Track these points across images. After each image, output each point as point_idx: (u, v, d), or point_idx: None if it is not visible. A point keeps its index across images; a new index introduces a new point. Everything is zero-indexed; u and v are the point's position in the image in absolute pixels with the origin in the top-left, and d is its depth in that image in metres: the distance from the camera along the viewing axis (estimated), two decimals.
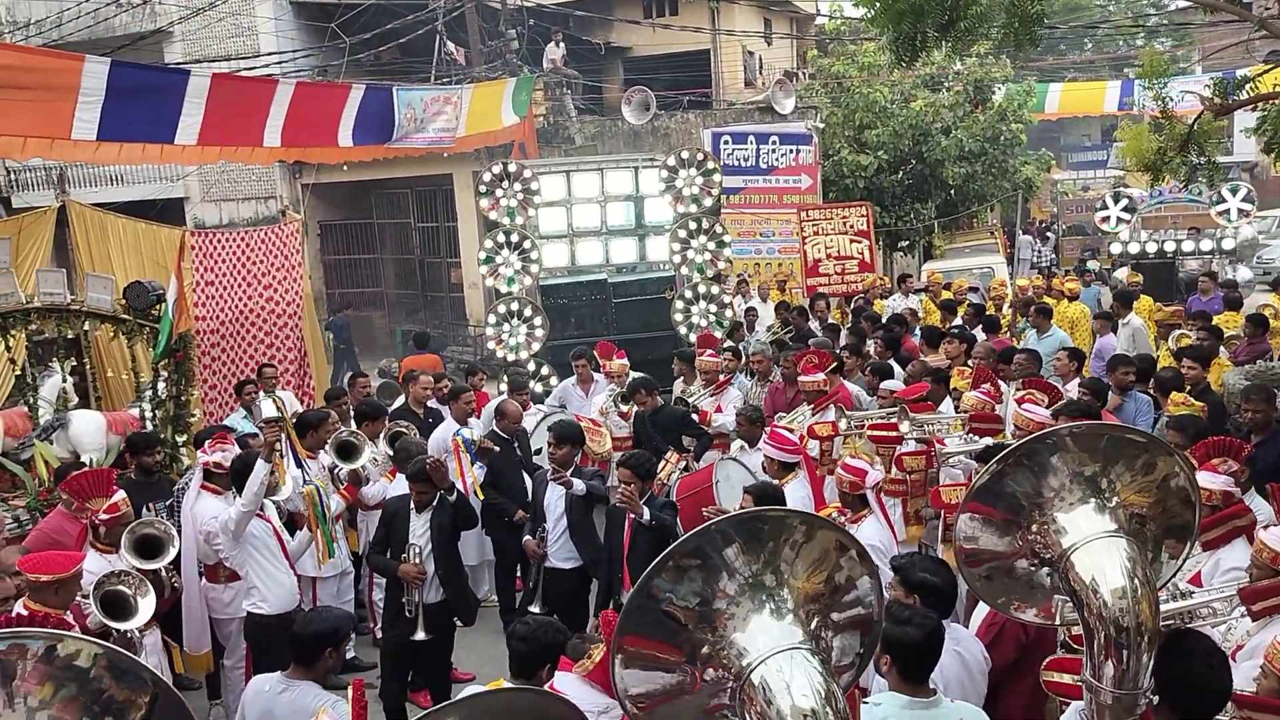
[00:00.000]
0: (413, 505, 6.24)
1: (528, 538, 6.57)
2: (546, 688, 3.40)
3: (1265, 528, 4.23)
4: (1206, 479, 4.73)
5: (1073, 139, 41.03)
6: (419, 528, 6.19)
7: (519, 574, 7.72)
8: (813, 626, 2.28)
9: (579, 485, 6.54)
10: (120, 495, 5.84)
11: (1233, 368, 9.50)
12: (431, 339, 17.48)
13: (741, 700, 2.16)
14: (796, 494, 6.03)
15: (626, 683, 2.25)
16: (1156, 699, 2.73)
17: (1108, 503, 2.83)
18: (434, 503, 6.22)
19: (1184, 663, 2.99)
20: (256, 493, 5.97)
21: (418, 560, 6.09)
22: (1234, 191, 17.15)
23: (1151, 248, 17.52)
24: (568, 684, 3.24)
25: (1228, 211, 17.23)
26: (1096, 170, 40.26)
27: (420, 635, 6.09)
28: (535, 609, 6.42)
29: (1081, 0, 39.24)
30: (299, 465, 6.63)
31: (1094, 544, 2.68)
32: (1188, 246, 17.52)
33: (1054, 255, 27.92)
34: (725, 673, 2.20)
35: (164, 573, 5.58)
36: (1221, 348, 9.84)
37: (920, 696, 3.55)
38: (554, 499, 6.55)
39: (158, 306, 8.67)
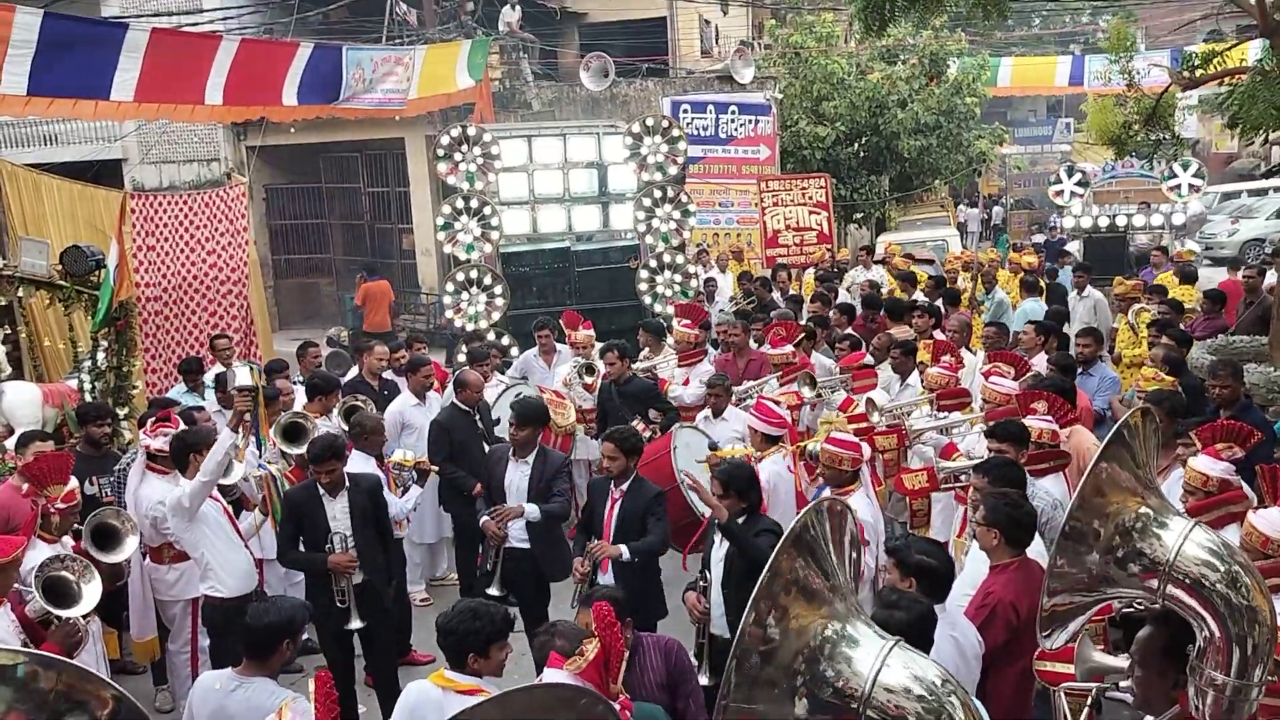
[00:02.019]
0: (323, 491, 5.83)
1: (485, 518, 6.22)
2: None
3: (1255, 510, 4.16)
4: (1206, 464, 4.66)
5: (1019, 114, 41.34)
6: (337, 513, 5.84)
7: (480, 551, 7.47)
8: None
9: (532, 512, 6.16)
10: (74, 483, 5.49)
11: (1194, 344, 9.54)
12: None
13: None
14: (776, 466, 5.86)
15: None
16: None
17: (1154, 496, 2.78)
18: (345, 485, 5.87)
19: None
20: (220, 462, 5.61)
21: (344, 548, 5.73)
22: (1185, 167, 17.33)
23: (1103, 222, 17.67)
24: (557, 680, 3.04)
25: (1179, 187, 17.41)
26: (1043, 145, 40.69)
27: (356, 624, 5.81)
28: (494, 591, 6.14)
29: None
30: (259, 444, 6.33)
31: (1189, 540, 2.61)
32: (1138, 221, 17.70)
33: (1000, 226, 28.21)
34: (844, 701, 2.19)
35: (122, 565, 5.26)
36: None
37: None
38: (515, 478, 6.26)
39: (97, 273, 8.26)
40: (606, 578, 5.66)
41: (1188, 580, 2.59)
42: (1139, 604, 3.38)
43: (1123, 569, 2.70)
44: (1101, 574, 2.72)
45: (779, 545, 2.22)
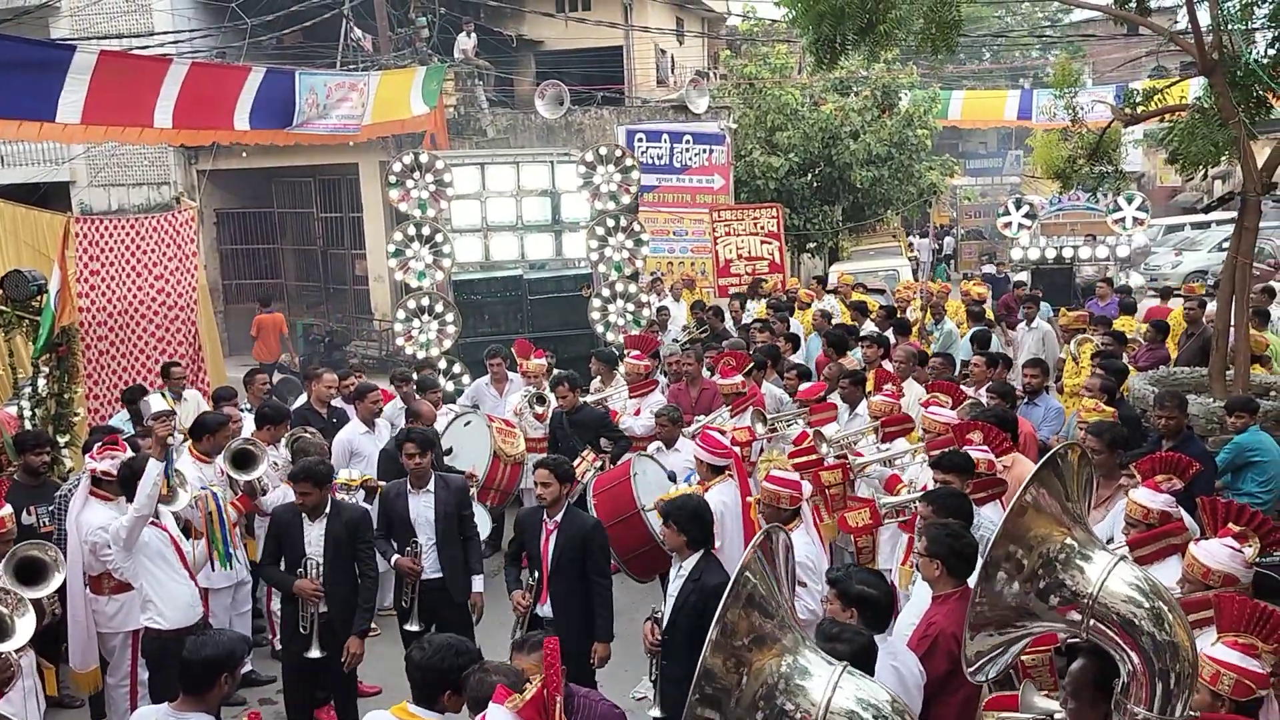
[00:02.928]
0: (304, 515, 5.85)
1: (397, 556, 6.16)
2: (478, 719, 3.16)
3: (1196, 542, 4.23)
4: (1146, 496, 4.71)
5: (970, 145, 42.09)
6: (313, 539, 5.82)
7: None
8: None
9: (478, 583, 6.25)
10: (6, 510, 5.36)
11: (1134, 373, 9.71)
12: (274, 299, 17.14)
13: None
14: (725, 496, 5.87)
15: None
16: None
17: (1080, 529, 2.81)
18: (327, 510, 5.85)
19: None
20: (150, 495, 5.52)
21: (315, 575, 5.74)
22: (1129, 200, 17.73)
23: (1050, 253, 18.00)
24: (500, 719, 3.00)
25: (1123, 220, 17.80)
26: (993, 177, 41.37)
27: (315, 653, 5.77)
28: (413, 627, 6.12)
29: (981, 11, 40.24)
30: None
31: (1112, 576, 2.65)
32: (1084, 253, 18.06)
33: (950, 255, 28.58)
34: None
35: (45, 600, 5.13)
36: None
37: None
38: (420, 509, 6.20)
39: (39, 297, 8.11)
40: (544, 608, 5.65)
41: (1112, 615, 2.62)
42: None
43: (1044, 601, 2.73)
44: (1023, 605, 2.76)
45: (724, 600, 2.33)
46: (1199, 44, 8.16)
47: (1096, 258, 18.05)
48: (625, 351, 9.31)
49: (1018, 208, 19.15)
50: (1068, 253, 17.92)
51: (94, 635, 6.18)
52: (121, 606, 6.12)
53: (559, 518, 5.64)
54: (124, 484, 5.85)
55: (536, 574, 5.69)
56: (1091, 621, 2.63)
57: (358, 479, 7.02)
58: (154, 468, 5.54)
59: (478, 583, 6.28)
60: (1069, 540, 2.73)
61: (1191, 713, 2.66)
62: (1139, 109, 9.30)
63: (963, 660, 2.90)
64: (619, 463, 7.52)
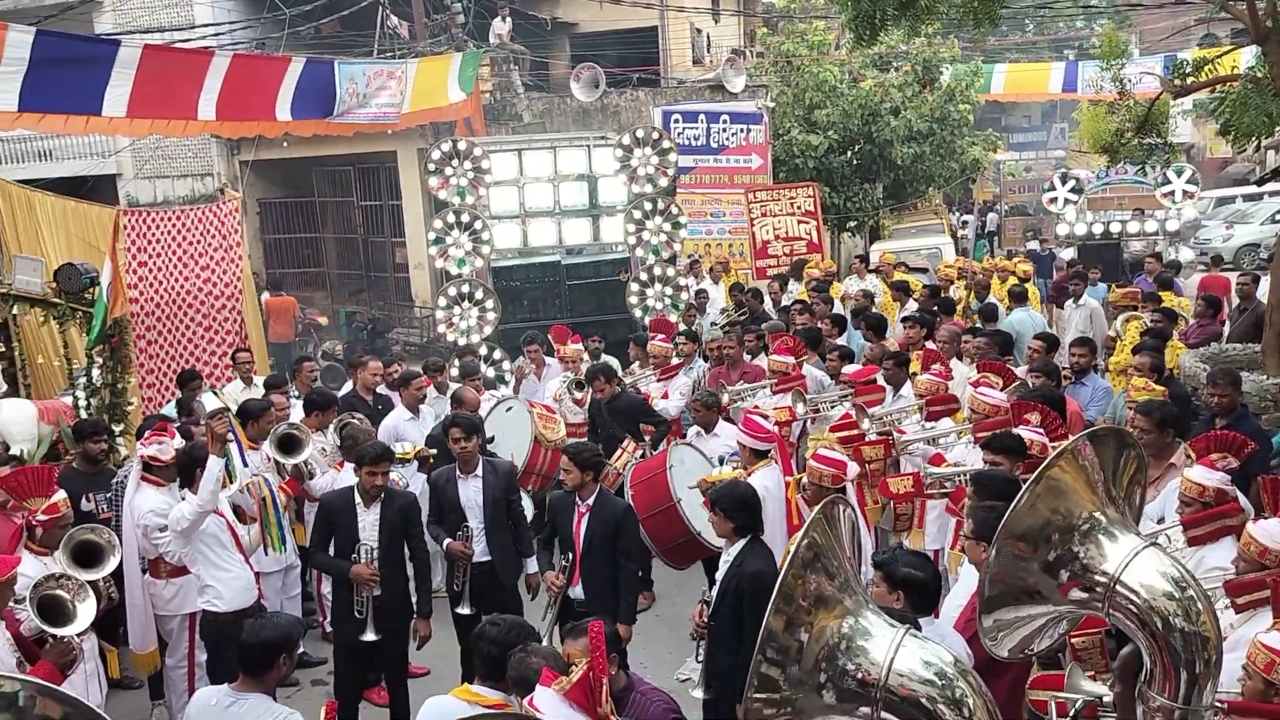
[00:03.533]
0: (359, 500, 5.93)
1: (449, 540, 6.22)
2: (525, 703, 3.19)
3: (1254, 521, 4.16)
4: (1201, 474, 4.63)
5: (1014, 119, 41.41)
6: (368, 524, 5.90)
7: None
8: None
9: (531, 564, 6.28)
10: (60, 496, 5.49)
11: (1185, 350, 9.55)
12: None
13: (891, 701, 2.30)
14: (767, 481, 5.86)
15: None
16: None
17: (1113, 510, 2.76)
18: (381, 497, 5.93)
19: None
20: (213, 491, 5.68)
21: (370, 560, 5.82)
22: (1179, 173, 17.40)
23: (1097, 229, 17.73)
24: (546, 702, 3.03)
25: (1172, 193, 17.47)
26: (1037, 151, 40.79)
27: (370, 636, 5.85)
28: (465, 610, 6.18)
29: None
30: (243, 461, 6.34)
31: (1136, 561, 2.59)
32: (1133, 228, 17.75)
33: (993, 233, 28.23)
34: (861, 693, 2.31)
35: (101, 583, 5.25)
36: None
37: None
38: (470, 495, 6.26)
39: (91, 289, 8.26)
40: (576, 590, 5.73)
41: (1132, 602, 2.57)
42: None
43: (1055, 577, 2.69)
44: (1041, 585, 2.72)
45: (787, 563, 2.31)
46: (1252, 11, 7.96)
47: (1145, 232, 17.73)
48: (649, 335, 9.33)
49: (1063, 182, 18.85)
50: (1115, 228, 17.63)
51: (151, 617, 6.33)
52: (179, 590, 6.26)
53: (591, 501, 5.70)
54: (182, 470, 5.98)
55: (569, 556, 5.74)
56: (1110, 609, 2.59)
57: (411, 450, 7.17)
58: (215, 464, 5.66)
59: (531, 564, 6.34)
60: (1097, 515, 2.68)
61: (1219, 705, 2.65)
62: (1188, 80, 9.11)
63: (980, 634, 2.88)
64: (656, 452, 7.53)
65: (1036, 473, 2.70)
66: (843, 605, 2.37)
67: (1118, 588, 2.58)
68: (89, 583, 4.76)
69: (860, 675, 2.30)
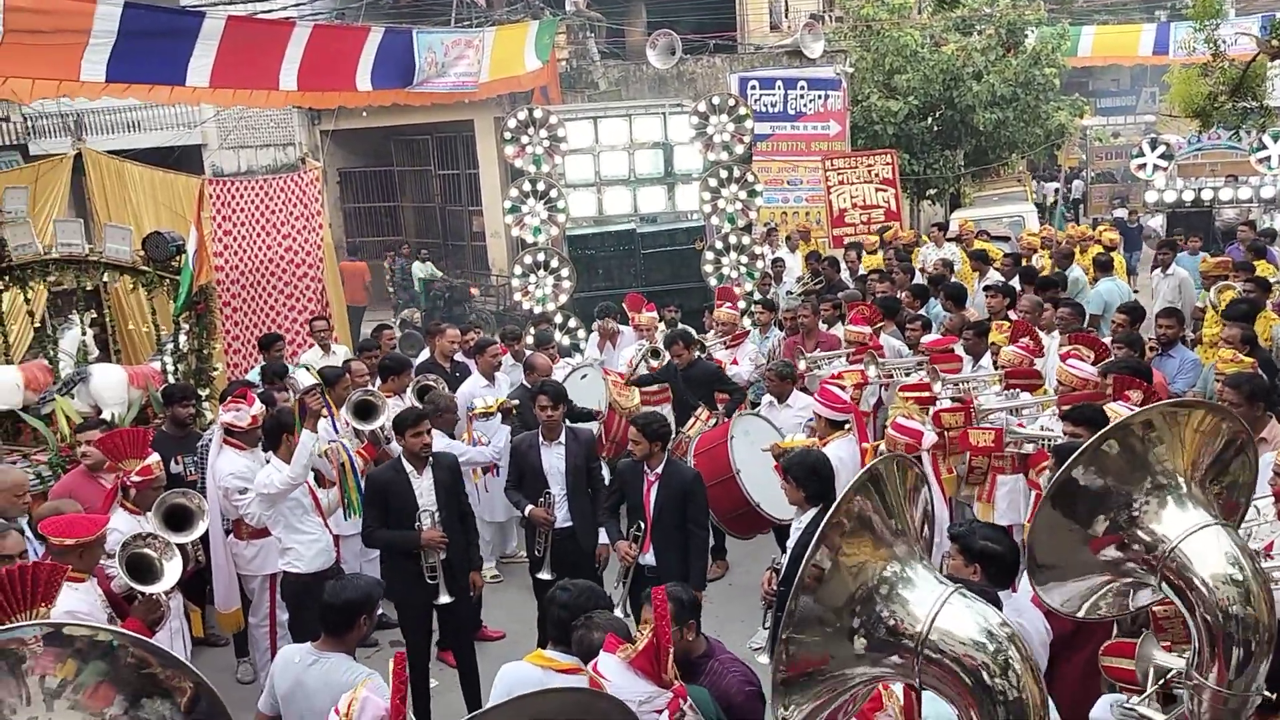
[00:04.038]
0: (410, 468, 5.93)
1: (531, 507, 6.27)
2: (590, 668, 3.21)
3: None
4: None
5: (1101, 84, 40.07)
6: (424, 489, 5.93)
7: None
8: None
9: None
10: (154, 458, 5.67)
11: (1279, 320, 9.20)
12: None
13: (929, 661, 2.17)
14: (842, 451, 5.81)
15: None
16: (1275, 696, 2.59)
17: (1195, 487, 2.67)
18: (430, 461, 5.98)
19: None
20: (306, 465, 5.83)
21: (434, 524, 5.85)
22: (1275, 138, 16.67)
23: (1188, 196, 17.12)
24: (611, 668, 3.05)
25: (1268, 159, 16.77)
26: (1126, 116, 39.43)
27: (444, 598, 5.92)
28: (545, 575, 6.22)
29: None
30: (334, 428, 6.48)
31: (1197, 536, 2.50)
32: (1225, 195, 17.10)
33: (1079, 200, 27.43)
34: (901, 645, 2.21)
35: (189, 546, 5.42)
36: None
37: None
38: (552, 461, 6.31)
39: (177, 258, 8.49)
40: (647, 557, 5.77)
41: (1182, 578, 2.47)
42: None
43: (1124, 551, 2.60)
44: (1106, 553, 2.62)
45: (852, 483, 2.23)
46: None
47: (1238, 200, 17.06)
48: (716, 304, 9.27)
49: (1153, 148, 18.23)
50: (1207, 195, 17.00)
51: (235, 577, 6.54)
52: (259, 550, 6.44)
53: (660, 469, 5.75)
54: (267, 435, 6.12)
55: (640, 525, 5.78)
56: (1162, 583, 2.49)
57: (493, 404, 7.22)
58: (309, 439, 5.80)
59: (601, 535, 6.37)
60: (1166, 485, 2.57)
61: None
62: None
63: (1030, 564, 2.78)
64: (721, 424, 7.51)
65: (1098, 435, 2.59)
66: (893, 550, 2.26)
67: (1170, 560, 2.49)
68: (177, 545, 4.91)
69: (895, 624, 2.20)
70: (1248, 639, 2.41)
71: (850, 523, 2.20)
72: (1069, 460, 2.61)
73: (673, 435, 6.79)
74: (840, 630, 2.21)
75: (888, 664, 2.23)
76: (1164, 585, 2.53)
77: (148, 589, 4.64)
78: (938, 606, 2.18)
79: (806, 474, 4.91)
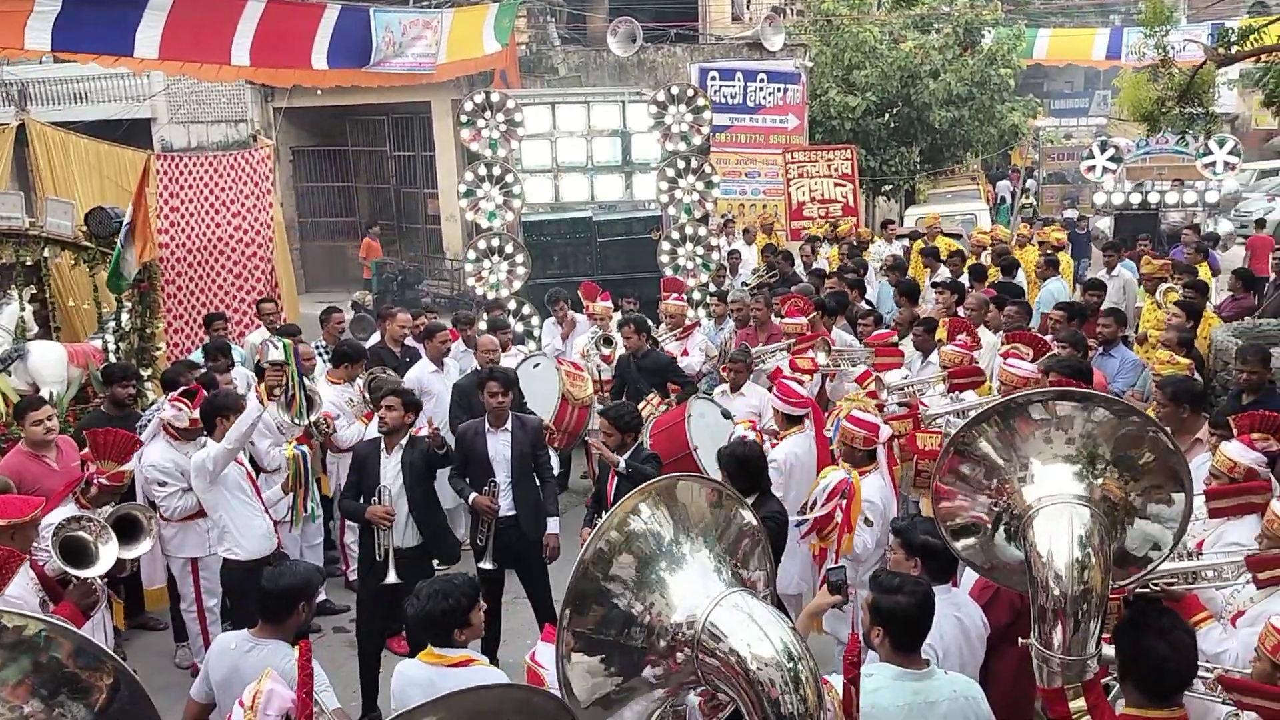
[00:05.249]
0: (383, 446, 6.02)
1: (474, 494, 6.21)
2: (528, 657, 3.20)
3: (1279, 498, 4.12)
4: (1237, 451, 4.58)
5: (1055, 85, 40.60)
6: (390, 469, 5.97)
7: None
8: (730, 573, 2.49)
9: (554, 525, 6.36)
10: (130, 466, 5.57)
11: (1219, 323, 9.40)
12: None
13: (700, 659, 2.28)
14: (796, 448, 5.85)
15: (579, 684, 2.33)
16: (1106, 668, 2.89)
17: (1083, 470, 2.95)
18: (404, 442, 6.01)
19: (1143, 638, 2.99)
20: (245, 433, 5.78)
21: (388, 503, 5.88)
22: (1221, 144, 17.01)
23: (1135, 199, 17.41)
24: (549, 656, 3.05)
25: (1214, 164, 17.10)
26: (1078, 118, 39.97)
27: (391, 579, 5.90)
28: (487, 565, 6.18)
29: None
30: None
31: (1053, 508, 2.73)
32: (1171, 198, 17.42)
33: (1034, 201, 27.81)
34: (675, 641, 2.31)
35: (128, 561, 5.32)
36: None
37: (912, 667, 3.41)
38: (498, 448, 6.26)
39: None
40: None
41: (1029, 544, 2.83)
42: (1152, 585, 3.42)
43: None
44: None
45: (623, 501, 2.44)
46: None
47: (1184, 203, 17.38)
48: (662, 295, 9.28)
49: (1103, 150, 18.50)
50: (1154, 198, 17.31)
51: (159, 556, 6.42)
52: (178, 533, 6.34)
53: (624, 458, 5.86)
54: (204, 417, 6.05)
55: (604, 514, 5.79)
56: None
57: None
58: (254, 409, 5.78)
59: (553, 524, 6.34)
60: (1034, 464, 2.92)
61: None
62: (1234, 49, 8.92)
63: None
64: (677, 405, 7.55)
65: (968, 421, 3.05)
66: (672, 557, 2.40)
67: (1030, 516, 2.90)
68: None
69: (671, 621, 2.32)
70: (1073, 609, 2.65)
71: (622, 533, 2.37)
72: (960, 427, 3.01)
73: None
74: (617, 632, 2.32)
75: (674, 662, 2.32)
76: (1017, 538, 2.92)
77: (82, 573, 4.55)
78: (712, 606, 2.29)
79: (737, 466, 5.00)
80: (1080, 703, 2.81)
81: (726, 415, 7.01)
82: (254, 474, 6.20)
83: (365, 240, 19.02)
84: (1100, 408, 3.00)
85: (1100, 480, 2.89)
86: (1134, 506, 3.01)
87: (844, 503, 5.09)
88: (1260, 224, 17.78)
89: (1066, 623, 2.68)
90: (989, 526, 3.09)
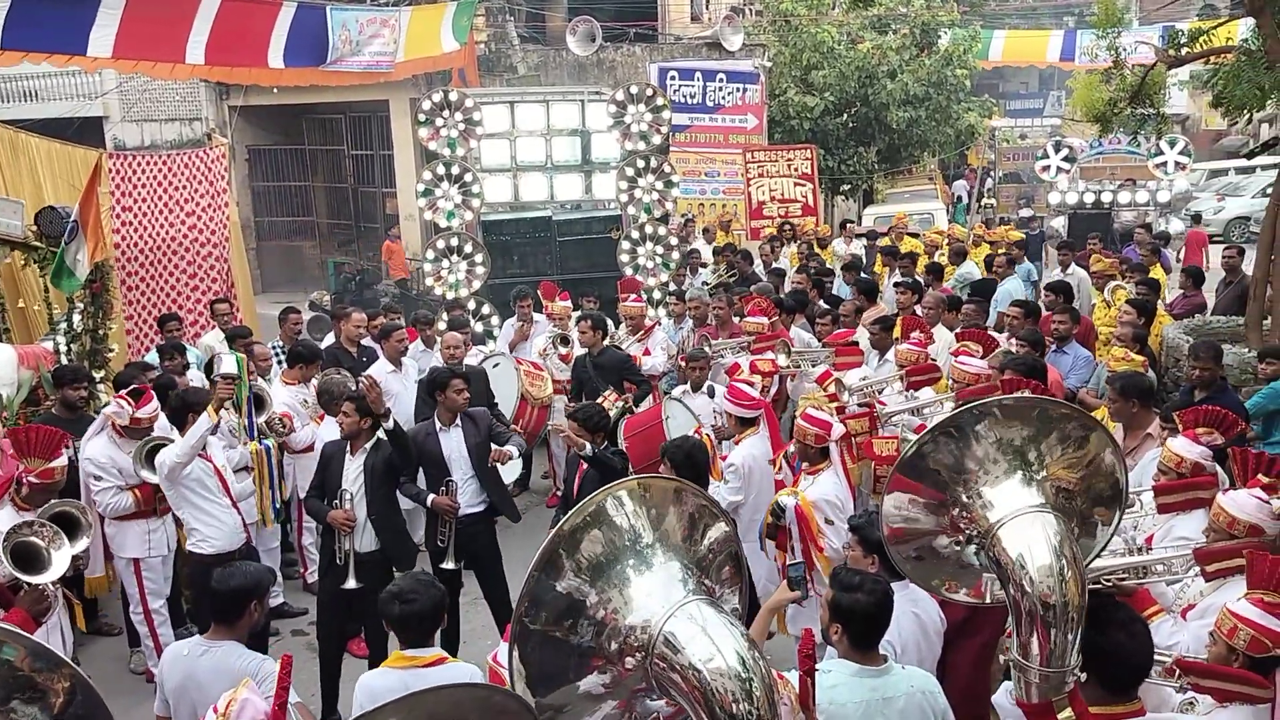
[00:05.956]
0: (348, 449, 5.97)
1: (433, 496, 6.15)
2: (490, 659, 3.20)
3: (1224, 492, 4.19)
4: (1183, 446, 4.65)
5: (1011, 86, 41.13)
6: (352, 472, 5.92)
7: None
8: (694, 580, 2.44)
9: (513, 448, 6.53)
10: (59, 463, 5.45)
11: (1170, 321, 9.58)
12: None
13: (656, 668, 2.25)
14: (752, 450, 5.88)
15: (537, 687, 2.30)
16: (1084, 676, 2.82)
17: (1035, 476, 2.98)
18: (369, 445, 5.95)
19: (1102, 633, 3.01)
20: (194, 446, 5.73)
21: (348, 505, 5.84)
22: (1171, 144, 17.32)
23: (1089, 198, 17.68)
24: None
25: (1165, 164, 17.41)
26: (1033, 119, 40.51)
27: (350, 584, 5.85)
28: (449, 565, 6.14)
29: None
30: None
31: (1021, 519, 2.76)
32: (1124, 198, 17.71)
33: (994, 201, 28.16)
34: (630, 647, 2.28)
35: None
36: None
37: (870, 664, 3.44)
38: (453, 446, 6.23)
39: None
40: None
41: (1005, 555, 2.77)
42: (1104, 580, 3.47)
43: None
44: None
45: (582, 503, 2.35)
46: None
47: (1136, 203, 17.69)
48: (620, 296, 9.29)
49: (1056, 150, 18.78)
50: (1106, 197, 17.59)
51: (100, 544, 6.32)
52: (117, 532, 6.27)
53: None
54: (174, 414, 6.08)
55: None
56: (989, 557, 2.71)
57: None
58: (205, 423, 5.71)
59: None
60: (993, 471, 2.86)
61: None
62: (1184, 50, 9.07)
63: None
64: (651, 406, 7.55)
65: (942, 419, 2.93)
66: (621, 569, 2.36)
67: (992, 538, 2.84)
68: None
69: (615, 622, 2.30)
70: (1053, 619, 2.64)
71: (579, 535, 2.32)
72: (918, 438, 2.90)
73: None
74: (569, 635, 2.30)
75: (623, 668, 2.31)
76: (985, 557, 2.84)
77: (34, 579, 4.47)
78: (670, 612, 2.27)
79: (683, 459, 5.06)
80: (1068, 713, 2.81)
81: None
82: (222, 471, 6.10)
83: (387, 244, 18.80)
84: (1037, 407, 3.04)
85: (1044, 474, 2.90)
86: (1085, 490, 3.05)
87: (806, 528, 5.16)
88: (1197, 219, 18.16)
89: (1045, 632, 2.66)
90: (950, 546, 3.03)
